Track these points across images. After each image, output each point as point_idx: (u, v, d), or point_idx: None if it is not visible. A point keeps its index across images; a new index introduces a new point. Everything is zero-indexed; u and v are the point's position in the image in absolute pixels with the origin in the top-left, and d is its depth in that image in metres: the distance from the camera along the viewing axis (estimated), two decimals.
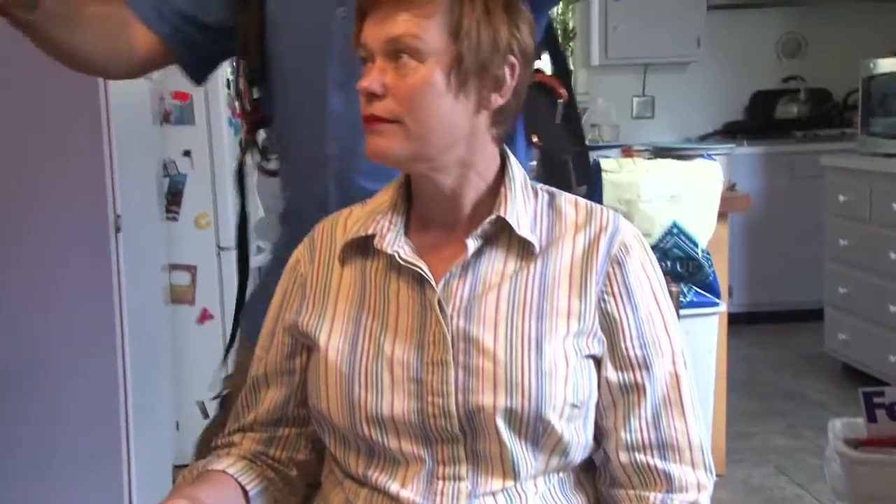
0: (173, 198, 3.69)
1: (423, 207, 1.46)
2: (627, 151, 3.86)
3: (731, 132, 6.82)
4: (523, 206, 1.41)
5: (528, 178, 1.47)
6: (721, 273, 3.54)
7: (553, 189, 1.49)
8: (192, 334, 3.73)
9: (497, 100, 1.37)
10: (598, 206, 1.47)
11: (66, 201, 2.86)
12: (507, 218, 1.37)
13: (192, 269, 3.75)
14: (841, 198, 5.35)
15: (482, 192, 1.42)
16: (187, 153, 3.73)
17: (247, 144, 1.96)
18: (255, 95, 1.90)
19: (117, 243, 2.88)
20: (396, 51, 1.31)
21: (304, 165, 1.81)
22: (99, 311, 2.87)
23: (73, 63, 1.75)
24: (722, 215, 3.58)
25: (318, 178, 1.75)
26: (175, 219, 3.71)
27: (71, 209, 2.85)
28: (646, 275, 1.42)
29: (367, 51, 1.35)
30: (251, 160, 1.97)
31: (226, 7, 1.84)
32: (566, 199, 1.47)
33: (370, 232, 1.41)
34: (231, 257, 3.32)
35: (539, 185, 1.49)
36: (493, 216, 1.37)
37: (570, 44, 6.84)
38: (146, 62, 1.85)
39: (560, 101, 1.82)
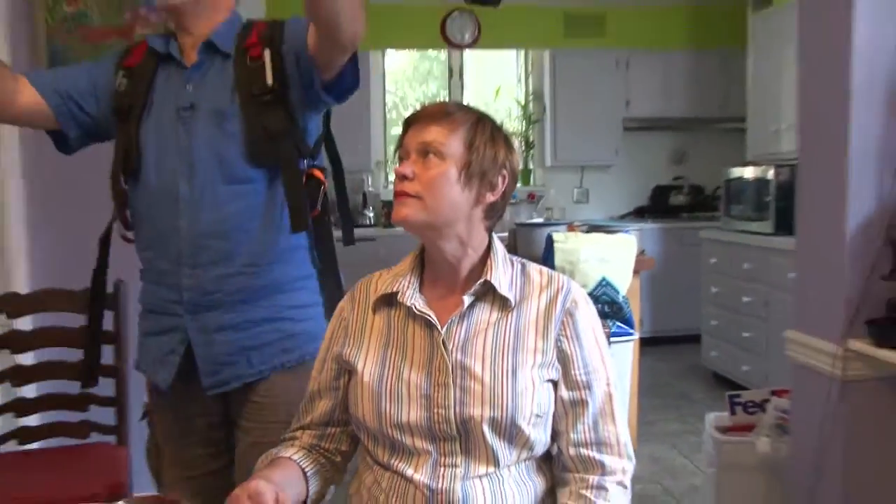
0: None
1: (432, 271, 1.46)
2: (571, 227, 3.86)
3: (640, 213, 6.81)
4: (503, 272, 1.42)
5: (506, 252, 1.48)
6: (635, 312, 3.56)
7: (524, 260, 1.49)
8: None
9: (490, 198, 1.41)
10: (556, 272, 1.48)
11: None
12: (492, 281, 1.39)
13: None
14: (712, 260, 5.37)
15: (475, 262, 1.43)
16: None
17: (114, 218, 1.78)
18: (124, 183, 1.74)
19: None
20: (426, 151, 1.37)
21: (162, 233, 1.67)
22: None
23: None
24: (636, 272, 3.60)
25: (172, 241, 1.65)
26: None
27: None
28: (589, 323, 1.43)
29: (405, 150, 1.40)
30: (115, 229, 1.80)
31: (105, 114, 1.74)
32: (533, 268, 1.47)
33: (395, 290, 1.43)
34: None
35: (514, 258, 1.48)
36: (482, 279, 1.40)
37: (531, 151, 6.84)
38: (24, 114, 1.68)
39: (322, 187, 1.74)
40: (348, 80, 1.66)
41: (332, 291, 1.77)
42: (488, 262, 1.43)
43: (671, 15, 6.72)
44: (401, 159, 1.41)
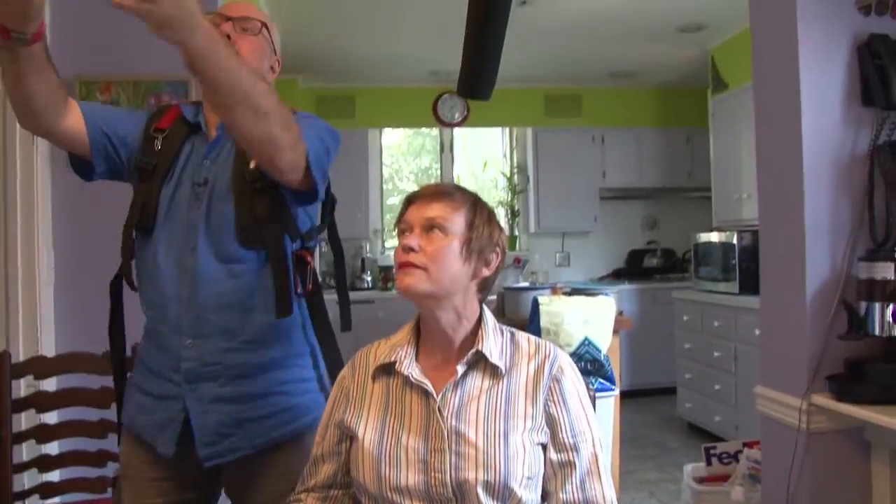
0: None
1: (428, 341, 1.44)
2: (555, 290, 3.87)
3: (617, 275, 6.84)
4: (494, 342, 1.41)
5: (496, 322, 1.46)
6: (615, 369, 3.55)
7: (513, 329, 1.47)
8: None
9: (485, 272, 1.43)
10: (542, 340, 1.45)
11: None
12: (483, 351, 1.38)
13: None
14: (685, 317, 5.38)
15: (468, 332, 1.42)
16: None
17: (123, 270, 1.65)
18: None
19: None
20: (431, 226, 1.37)
21: (165, 299, 1.58)
22: None
23: (18, 94, 1.40)
24: (615, 331, 3.60)
25: (173, 309, 1.57)
26: None
27: None
28: (575, 388, 1.40)
29: (408, 225, 1.40)
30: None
31: (129, 165, 1.65)
32: (521, 336, 1.45)
33: (392, 360, 1.42)
34: None
35: (503, 327, 1.46)
36: (474, 349, 1.38)
37: (517, 218, 6.91)
38: (64, 134, 1.54)
39: (309, 267, 1.65)
40: (308, 197, 1.56)
41: (332, 365, 1.69)
42: (479, 331, 1.42)
43: (640, 97, 6.86)
44: (402, 232, 1.41)
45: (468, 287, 1.41)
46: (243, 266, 1.59)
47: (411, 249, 1.36)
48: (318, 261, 5.15)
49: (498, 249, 1.44)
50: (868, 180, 2.00)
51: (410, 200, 1.43)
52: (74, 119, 1.55)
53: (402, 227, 1.42)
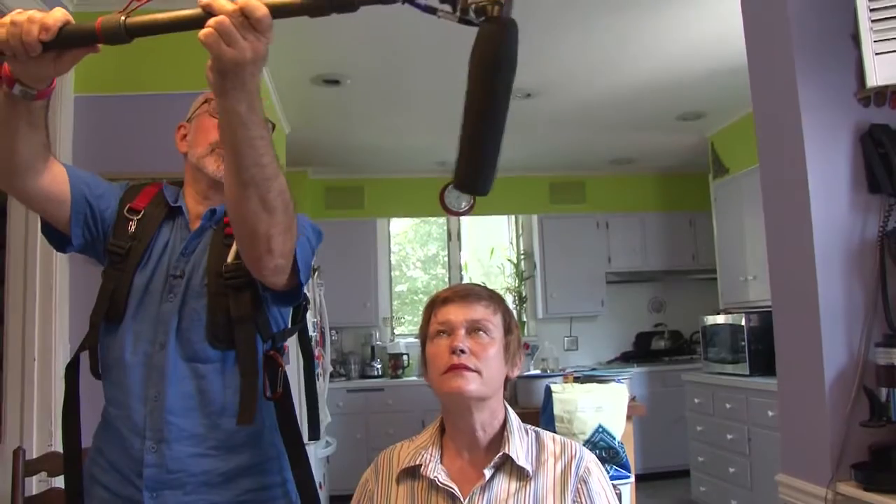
0: None
1: (453, 443, 1.42)
2: (567, 378, 3.84)
3: (625, 358, 6.78)
4: (520, 443, 1.39)
5: (520, 421, 1.44)
6: (630, 455, 3.49)
7: (537, 428, 1.46)
8: None
9: (514, 373, 1.42)
10: (568, 440, 1.44)
11: None
12: (510, 454, 1.36)
13: None
14: (696, 400, 5.32)
15: (494, 434, 1.40)
16: None
17: (82, 349, 1.49)
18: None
19: None
20: (476, 328, 1.37)
21: (128, 396, 1.44)
22: None
23: (3, 145, 1.27)
24: (628, 417, 3.55)
25: (137, 410, 1.42)
26: None
27: None
28: (602, 488, 1.38)
29: (449, 326, 1.38)
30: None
31: (100, 241, 1.52)
32: (546, 436, 1.43)
33: (417, 462, 1.39)
34: (308, 449, 2.93)
35: (527, 426, 1.44)
36: (501, 453, 1.36)
37: (524, 304, 6.89)
38: (43, 193, 1.39)
39: (280, 370, 1.49)
40: (289, 298, 1.47)
41: (300, 472, 1.53)
42: (505, 433, 1.39)
43: (643, 182, 6.94)
44: (440, 333, 1.39)
45: (501, 388, 1.42)
46: (209, 366, 1.45)
47: (462, 352, 1.34)
48: (328, 348, 5.12)
49: (521, 352, 1.45)
50: (879, 266, 1.99)
51: (443, 301, 1.42)
52: (57, 181, 1.42)
53: (442, 328, 1.39)
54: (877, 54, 1.86)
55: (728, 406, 4.83)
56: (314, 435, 1.68)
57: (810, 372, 2.04)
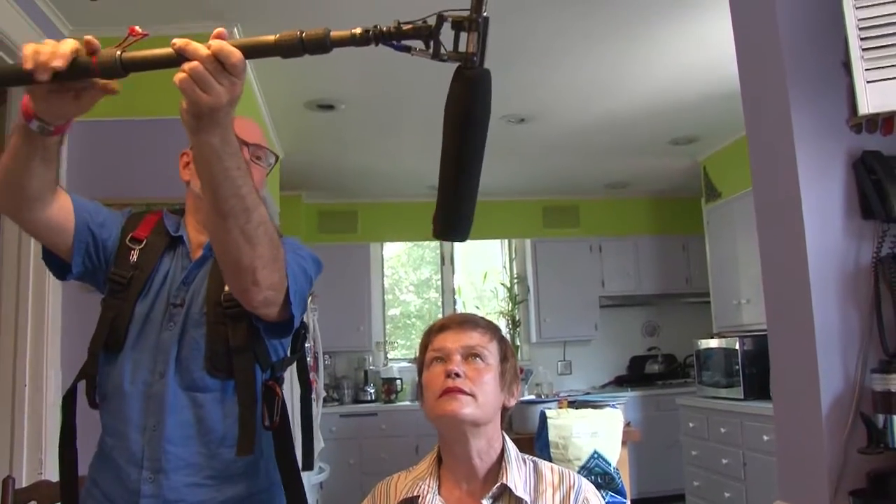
0: None
1: (451, 473, 1.41)
2: (562, 403, 3.83)
3: (619, 382, 6.78)
4: (518, 473, 1.38)
5: (518, 451, 1.44)
6: (625, 481, 3.46)
7: (534, 458, 1.45)
8: None
9: (511, 402, 1.43)
10: (566, 470, 1.44)
11: None
12: (508, 484, 1.35)
13: None
14: (690, 424, 5.31)
15: (493, 462, 1.40)
16: None
17: (78, 380, 1.48)
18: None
19: None
20: (472, 354, 1.38)
21: (126, 425, 1.43)
22: None
23: (15, 177, 1.27)
24: (623, 443, 3.54)
25: (135, 440, 1.41)
26: None
27: None
28: None
29: (445, 352, 1.39)
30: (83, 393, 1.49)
31: (101, 270, 1.51)
32: (545, 465, 1.43)
33: (416, 494, 1.39)
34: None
35: (525, 456, 1.44)
36: (499, 483, 1.35)
37: (518, 329, 6.88)
38: (49, 222, 1.40)
39: (277, 400, 1.48)
40: (282, 330, 1.45)
41: (295, 502, 1.53)
42: (503, 462, 1.39)
43: (636, 206, 6.97)
44: (436, 360, 1.40)
45: (496, 417, 1.41)
46: (208, 395, 1.45)
47: (457, 375, 1.35)
48: (321, 373, 5.09)
49: (519, 381, 1.45)
50: (874, 292, 2.00)
51: (440, 329, 1.42)
52: (63, 211, 1.42)
53: (438, 354, 1.40)
54: (868, 82, 1.87)
55: (723, 430, 4.82)
56: (308, 464, 1.64)
57: (807, 398, 2.03)
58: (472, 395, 1.35)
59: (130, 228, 1.55)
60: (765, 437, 4.32)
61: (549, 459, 3.03)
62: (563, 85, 4.10)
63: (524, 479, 1.39)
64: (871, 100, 1.87)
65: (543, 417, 3.41)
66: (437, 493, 1.38)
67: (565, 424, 3.37)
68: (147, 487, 1.39)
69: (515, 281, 7.04)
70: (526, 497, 1.35)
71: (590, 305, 6.69)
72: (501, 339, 1.45)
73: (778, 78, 2.12)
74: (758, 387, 4.62)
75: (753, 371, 4.69)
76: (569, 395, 4.50)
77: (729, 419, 4.77)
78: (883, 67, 1.86)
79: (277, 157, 1.58)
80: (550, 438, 3.31)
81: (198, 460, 1.43)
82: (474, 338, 1.39)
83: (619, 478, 3.36)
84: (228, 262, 1.25)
